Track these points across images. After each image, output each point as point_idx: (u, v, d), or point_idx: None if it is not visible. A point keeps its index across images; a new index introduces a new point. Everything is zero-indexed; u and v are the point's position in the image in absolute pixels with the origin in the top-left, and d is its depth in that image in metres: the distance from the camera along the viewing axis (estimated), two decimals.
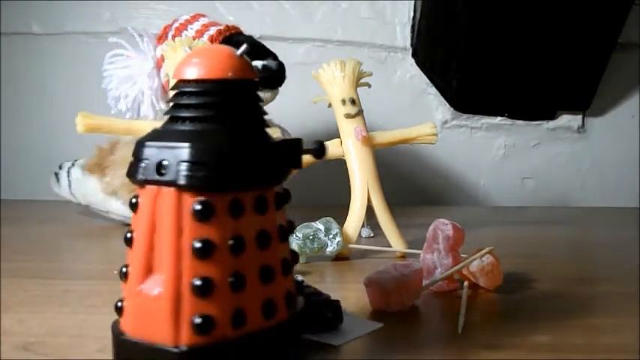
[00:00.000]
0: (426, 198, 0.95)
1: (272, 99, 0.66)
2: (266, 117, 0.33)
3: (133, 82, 0.67)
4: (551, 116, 0.94)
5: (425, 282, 0.45)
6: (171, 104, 0.32)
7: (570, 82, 0.90)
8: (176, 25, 0.70)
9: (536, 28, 0.84)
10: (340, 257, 0.58)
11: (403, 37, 0.93)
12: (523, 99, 0.92)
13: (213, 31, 0.67)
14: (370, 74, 0.61)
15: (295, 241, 0.55)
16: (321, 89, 0.62)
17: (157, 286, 0.30)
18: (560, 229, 0.75)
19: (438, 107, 0.94)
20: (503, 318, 0.43)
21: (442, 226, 0.48)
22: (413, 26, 0.92)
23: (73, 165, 0.77)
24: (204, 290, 0.29)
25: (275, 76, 0.65)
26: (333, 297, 0.40)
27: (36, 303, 0.45)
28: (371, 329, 0.39)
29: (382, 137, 0.61)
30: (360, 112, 0.59)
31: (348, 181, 0.60)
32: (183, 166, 0.29)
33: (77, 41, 0.92)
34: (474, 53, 0.86)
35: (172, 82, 0.44)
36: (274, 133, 0.53)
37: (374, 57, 0.92)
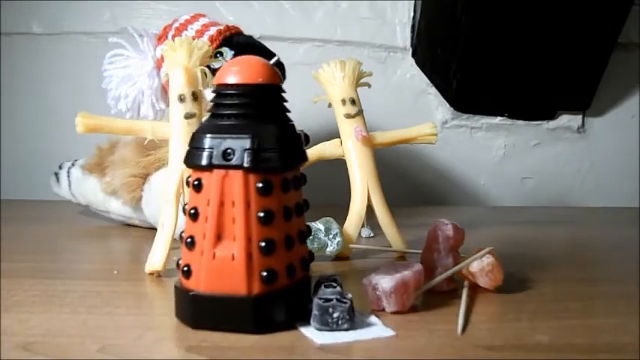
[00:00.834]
0: (426, 198, 0.95)
1: None
2: None
3: (133, 82, 0.67)
4: (551, 116, 0.94)
5: (425, 282, 0.45)
6: (212, 103, 0.41)
7: (570, 82, 0.90)
8: (176, 25, 0.70)
9: (536, 28, 0.84)
10: (340, 257, 0.58)
11: (403, 37, 0.93)
12: (523, 99, 0.92)
13: (213, 31, 0.67)
14: (370, 74, 0.61)
15: None
16: (321, 89, 0.62)
17: (230, 249, 0.38)
18: (560, 229, 0.75)
19: (438, 107, 0.94)
20: (504, 318, 0.43)
21: (442, 226, 0.48)
22: (413, 26, 0.92)
23: (73, 165, 0.77)
24: (268, 249, 0.38)
25: None
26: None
27: (36, 303, 0.45)
28: (380, 336, 0.39)
29: (382, 137, 0.61)
30: (360, 112, 0.59)
31: (348, 181, 0.60)
32: (248, 153, 0.38)
33: (77, 41, 0.92)
34: (474, 53, 0.86)
35: (174, 83, 0.45)
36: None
37: (374, 57, 0.92)
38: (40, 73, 0.94)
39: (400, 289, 0.42)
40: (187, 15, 0.71)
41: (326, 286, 0.41)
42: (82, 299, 0.46)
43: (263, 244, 0.38)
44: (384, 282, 0.42)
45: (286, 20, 0.92)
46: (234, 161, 0.38)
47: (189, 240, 0.40)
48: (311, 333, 0.39)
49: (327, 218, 0.57)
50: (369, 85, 0.62)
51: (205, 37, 0.67)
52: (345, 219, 0.60)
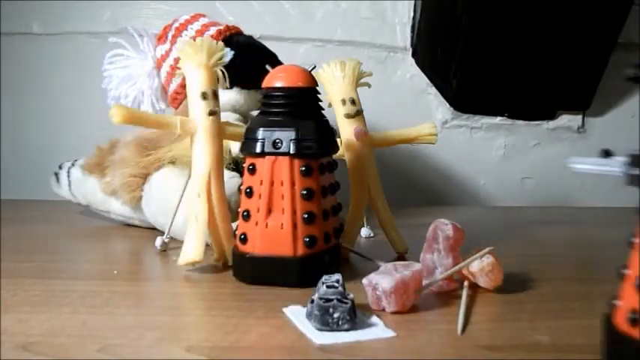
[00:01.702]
0: (426, 198, 0.95)
1: None
2: None
3: (133, 82, 0.67)
4: (551, 116, 0.94)
5: (425, 282, 0.45)
6: (261, 103, 0.51)
7: (570, 82, 0.90)
8: (176, 25, 0.70)
9: (536, 28, 0.84)
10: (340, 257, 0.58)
11: (403, 37, 0.93)
12: (523, 99, 0.92)
13: (213, 31, 0.67)
14: (370, 74, 0.61)
15: None
16: (321, 89, 0.62)
17: (280, 220, 0.48)
18: (560, 229, 0.75)
19: (438, 107, 0.94)
20: (503, 318, 0.43)
21: (442, 226, 0.48)
22: (413, 26, 0.92)
23: (73, 165, 0.77)
24: (309, 220, 0.48)
25: None
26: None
27: (36, 303, 0.45)
28: (381, 336, 0.39)
29: (382, 137, 0.61)
30: (359, 112, 0.59)
31: (348, 181, 0.60)
32: (293, 143, 0.48)
33: (77, 41, 0.92)
34: (474, 53, 0.86)
35: (195, 81, 0.53)
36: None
37: (374, 57, 0.92)
38: (40, 73, 0.94)
39: (400, 290, 0.42)
40: (187, 15, 0.71)
41: (328, 287, 0.41)
42: (82, 299, 0.46)
43: (305, 215, 0.48)
44: (384, 282, 0.42)
45: (286, 20, 0.92)
46: (282, 149, 0.48)
47: (245, 213, 0.50)
48: (311, 333, 0.39)
49: None
50: (369, 85, 0.62)
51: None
52: (345, 219, 0.60)
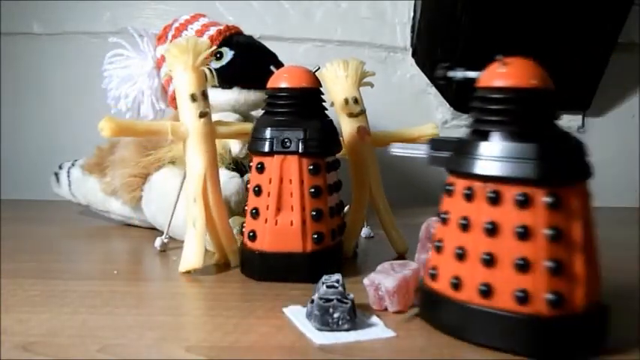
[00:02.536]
0: (426, 198, 0.95)
1: None
2: None
3: (133, 82, 0.67)
4: None
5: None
6: (266, 103, 0.53)
7: (570, 82, 0.90)
8: (176, 25, 0.70)
9: (536, 28, 0.84)
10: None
11: (403, 37, 0.93)
12: None
13: (213, 31, 0.67)
14: (373, 74, 0.61)
15: None
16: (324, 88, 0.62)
17: (289, 217, 0.50)
18: None
19: (438, 107, 0.94)
20: None
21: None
22: (413, 26, 0.92)
23: (73, 165, 0.77)
24: (318, 217, 0.50)
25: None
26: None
27: (36, 303, 0.45)
28: (381, 336, 0.39)
29: (384, 137, 0.61)
30: (362, 112, 0.59)
31: (350, 179, 0.60)
32: (302, 142, 0.50)
33: (77, 41, 0.92)
34: (474, 53, 0.86)
35: (184, 83, 0.46)
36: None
37: (374, 57, 0.92)
38: (40, 73, 0.94)
39: (402, 289, 0.42)
40: (187, 15, 0.71)
41: (328, 287, 0.41)
42: (82, 299, 0.46)
43: (314, 212, 0.50)
44: (387, 282, 0.42)
45: (286, 20, 0.92)
46: (291, 148, 0.50)
47: (253, 211, 0.51)
48: (311, 333, 0.39)
49: None
50: (371, 85, 0.62)
51: (205, 37, 0.67)
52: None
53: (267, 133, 0.50)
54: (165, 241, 0.61)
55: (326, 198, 0.51)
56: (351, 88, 0.59)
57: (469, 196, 0.38)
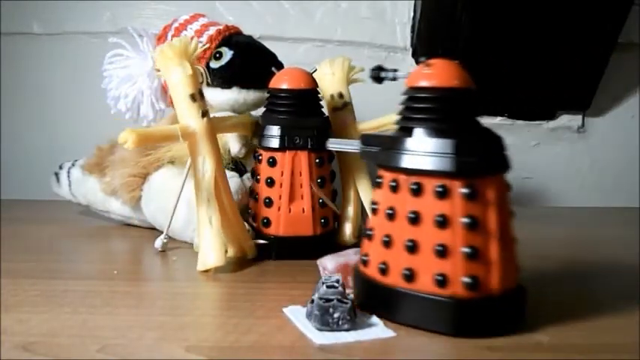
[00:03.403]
0: None
1: None
2: None
3: (133, 82, 0.67)
4: (551, 116, 0.94)
5: None
6: (267, 102, 0.59)
7: (570, 82, 0.90)
8: (176, 25, 0.70)
9: (536, 28, 0.84)
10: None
11: (403, 37, 0.93)
12: (523, 99, 0.92)
13: (212, 31, 0.67)
14: (362, 69, 0.62)
15: None
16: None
17: (301, 205, 0.57)
18: (560, 229, 0.75)
19: None
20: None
21: None
22: (413, 26, 0.92)
23: (73, 165, 0.77)
24: (323, 204, 0.58)
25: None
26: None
27: (36, 303, 0.45)
28: (381, 336, 0.39)
29: (368, 125, 0.62)
30: (346, 104, 0.61)
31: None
32: (310, 139, 0.57)
33: (77, 41, 0.92)
34: (474, 53, 0.86)
35: (182, 83, 0.46)
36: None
37: (374, 57, 0.92)
38: (40, 73, 0.94)
39: (341, 272, 0.46)
40: (187, 15, 0.71)
41: (328, 287, 0.41)
42: (82, 299, 0.46)
43: (320, 200, 0.58)
44: (329, 264, 0.48)
45: (286, 20, 0.92)
46: (300, 144, 0.57)
47: (267, 200, 0.57)
48: (311, 333, 0.39)
49: None
50: (362, 81, 0.62)
51: (205, 37, 0.67)
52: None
53: (278, 130, 0.57)
54: (165, 240, 0.61)
55: (329, 187, 0.59)
56: (336, 85, 0.62)
57: (394, 188, 0.41)
